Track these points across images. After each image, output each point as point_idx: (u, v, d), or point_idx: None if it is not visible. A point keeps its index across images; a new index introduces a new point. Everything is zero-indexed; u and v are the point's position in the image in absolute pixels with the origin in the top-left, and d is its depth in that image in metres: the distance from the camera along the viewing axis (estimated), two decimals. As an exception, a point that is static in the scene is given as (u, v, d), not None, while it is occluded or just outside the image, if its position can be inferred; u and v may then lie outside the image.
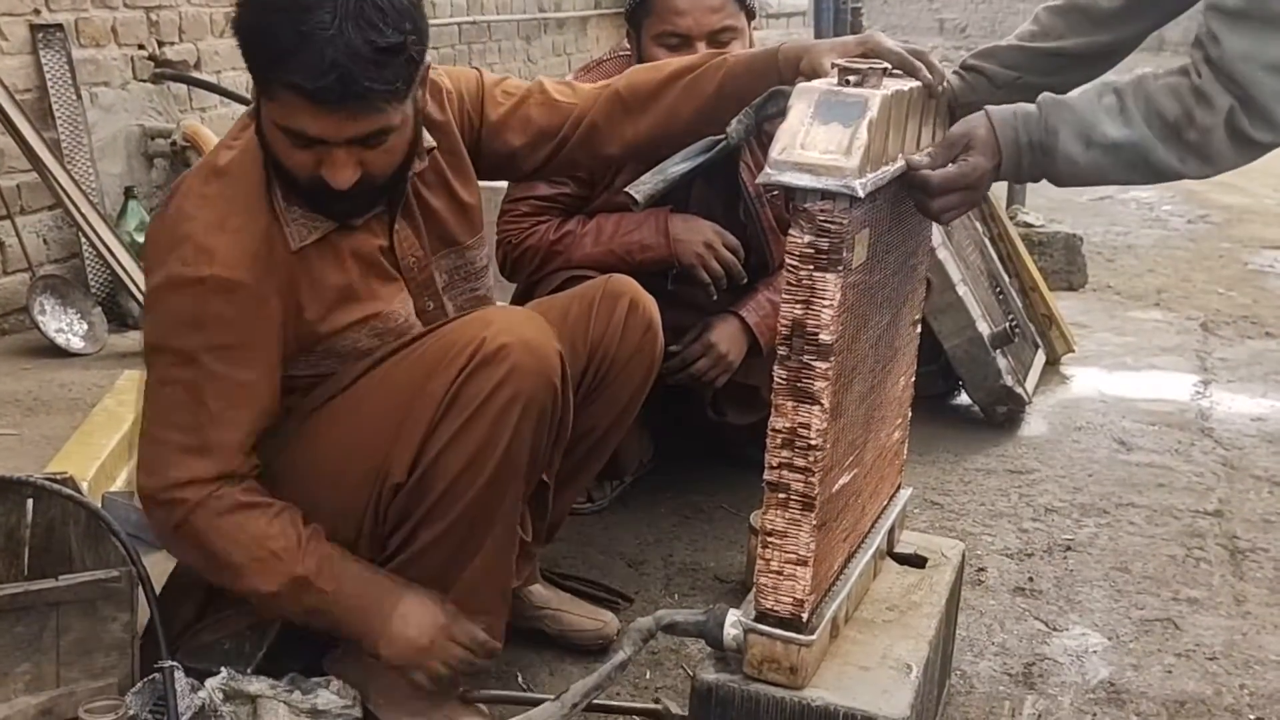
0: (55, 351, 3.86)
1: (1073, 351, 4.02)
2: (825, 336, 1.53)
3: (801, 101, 1.56)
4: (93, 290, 4.17)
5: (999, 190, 4.76)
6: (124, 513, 2.51)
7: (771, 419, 1.58)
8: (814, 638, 1.64)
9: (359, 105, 1.68)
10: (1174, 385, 3.83)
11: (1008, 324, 3.44)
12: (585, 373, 2.15)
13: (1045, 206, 5.70)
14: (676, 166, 1.90)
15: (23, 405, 3.45)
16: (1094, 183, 1.80)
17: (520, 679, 2.10)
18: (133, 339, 4.04)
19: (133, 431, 3.00)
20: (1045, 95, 1.78)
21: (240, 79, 5.10)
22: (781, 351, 1.55)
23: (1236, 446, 3.32)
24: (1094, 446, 3.31)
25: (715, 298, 2.55)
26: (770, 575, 1.64)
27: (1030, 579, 2.56)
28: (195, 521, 1.78)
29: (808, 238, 1.51)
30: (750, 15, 2.57)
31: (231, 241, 1.77)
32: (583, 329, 2.14)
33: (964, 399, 3.52)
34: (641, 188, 1.90)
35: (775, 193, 1.53)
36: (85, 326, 4.01)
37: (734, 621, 1.66)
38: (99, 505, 2.21)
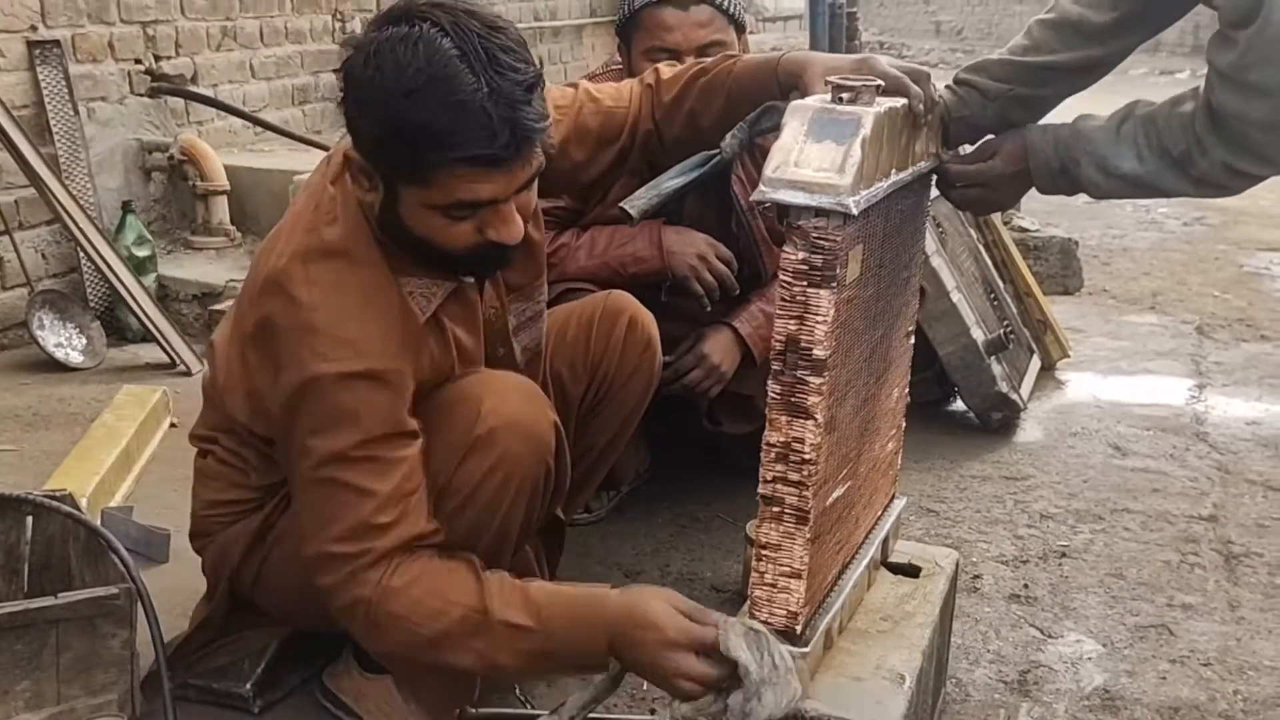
0: (54, 366, 3.87)
1: (1068, 357, 4.03)
2: (819, 352, 1.54)
3: (795, 119, 1.58)
4: (91, 305, 4.18)
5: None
6: (123, 528, 2.53)
7: (766, 433, 1.60)
8: (808, 649, 1.65)
9: (530, 152, 1.63)
10: (1169, 390, 3.84)
11: (1002, 330, 3.45)
12: (586, 391, 2.17)
13: (1041, 210, 5.71)
14: (671, 181, 1.91)
15: (22, 420, 3.46)
16: (1124, 198, 1.99)
17: (518, 692, 2.11)
18: (131, 353, 4.06)
19: (131, 446, 3.03)
20: (1069, 126, 1.92)
21: (236, 92, 5.12)
22: (775, 366, 1.57)
23: (1231, 451, 3.34)
24: (1089, 452, 3.32)
25: (709, 309, 2.56)
26: (765, 588, 1.65)
27: (1025, 586, 2.57)
28: (380, 609, 1.66)
29: (801, 254, 1.52)
30: (740, 29, 2.59)
31: (371, 330, 1.68)
32: (583, 347, 2.15)
33: (959, 405, 3.54)
34: (636, 203, 1.91)
35: (768, 206, 1.53)
36: (84, 341, 4.02)
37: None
38: (98, 522, 2.23)
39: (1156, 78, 11.61)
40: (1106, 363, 4.10)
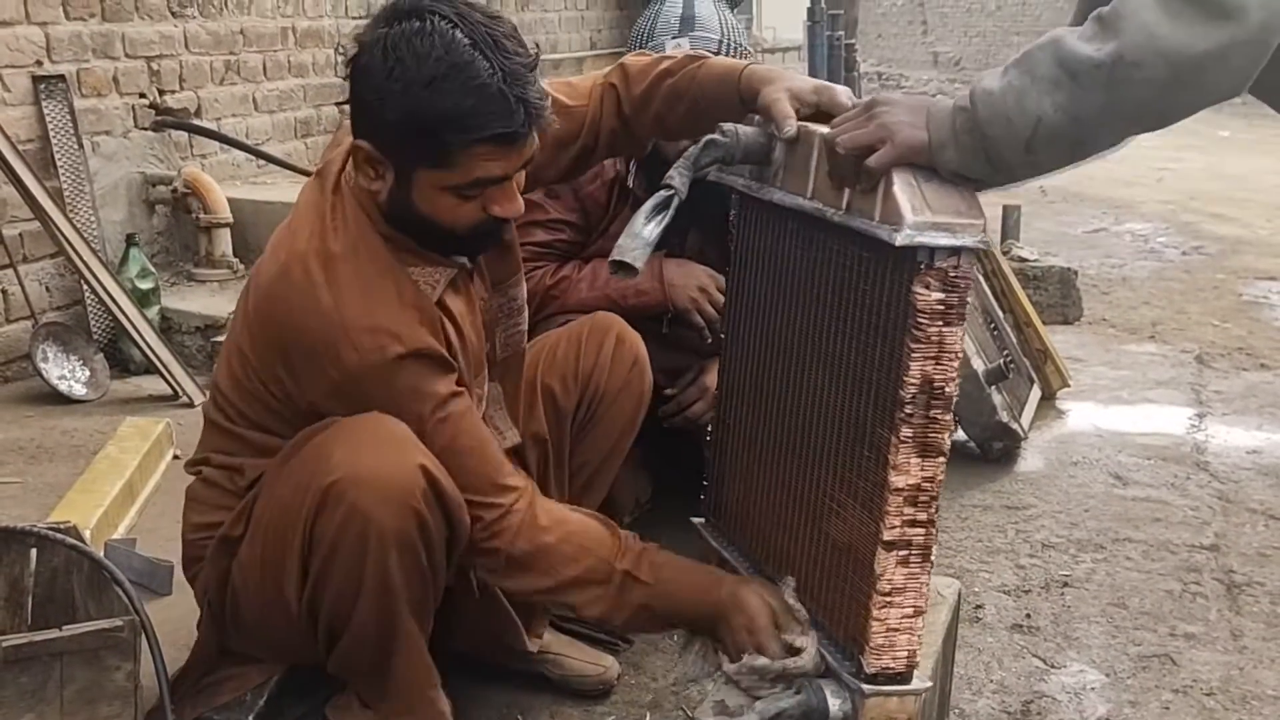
0: (57, 399, 3.89)
1: (1068, 386, 4.04)
2: (950, 389, 1.57)
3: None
4: (95, 337, 4.20)
5: (993, 226, 4.79)
6: (126, 560, 2.54)
7: (892, 479, 1.59)
8: (930, 684, 1.69)
9: (538, 127, 1.74)
10: (1169, 419, 3.85)
11: (1002, 360, 3.46)
12: (578, 407, 2.21)
13: (1040, 240, 5.74)
14: (647, 228, 1.81)
15: (25, 453, 3.47)
16: (1019, 126, 1.49)
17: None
18: (134, 385, 4.07)
19: (135, 478, 3.04)
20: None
21: (239, 125, 5.16)
22: (907, 410, 1.57)
23: (1232, 480, 3.34)
24: (1090, 481, 3.33)
25: (710, 341, 2.57)
26: (887, 634, 1.65)
27: (1028, 615, 2.57)
28: (524, 548, 1.85)
29: (937, 295, 1.53)
30: None
31: (402, 315, 1.78)
32: (572, 365, 2.19)
33: (960, 435, 3.54)
34: (629, 256, 1.81)
35: None
36: (87, 373, 4.04)
37: (835, 691, 1.69)
38: (102, 554, 2.23)
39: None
40: (1107, 392, 4.11)
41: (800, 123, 1.78)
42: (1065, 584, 2.72)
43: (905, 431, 1.57)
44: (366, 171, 1.78)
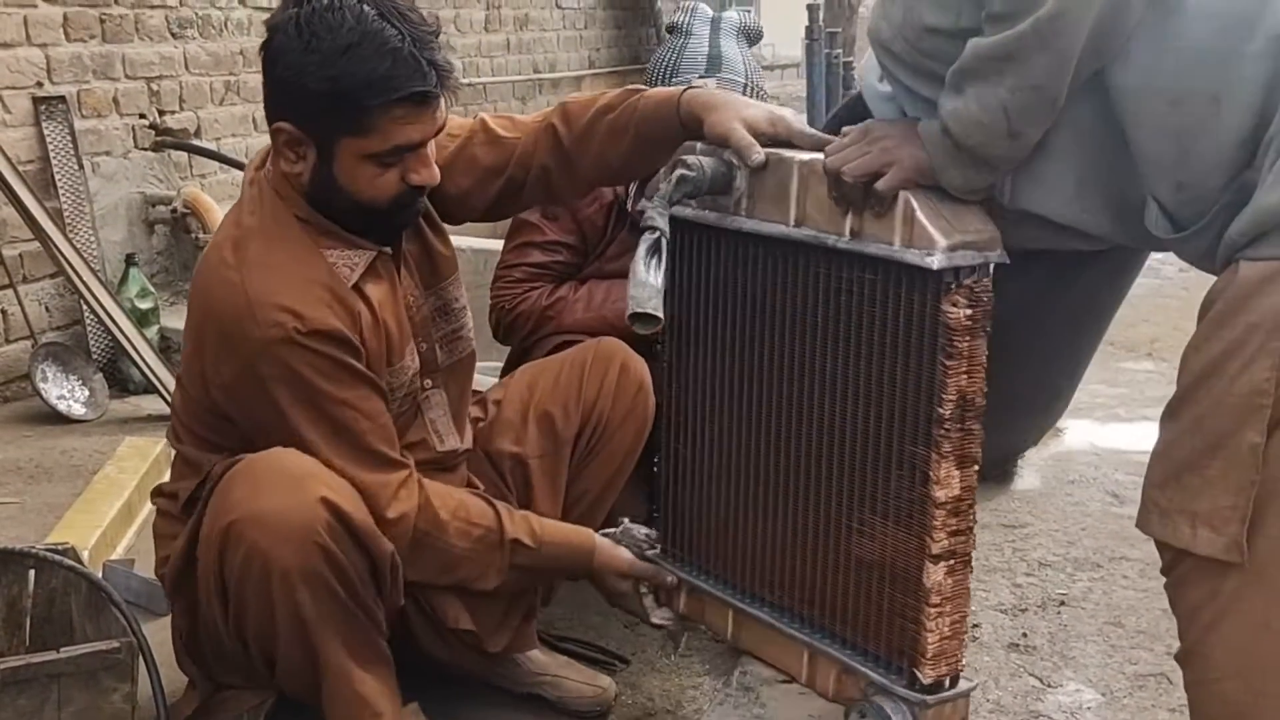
0: (57, 418, 3.89)
1: (1065, 404, 4.04)
2: (980, 400, 1.62)
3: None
4: (94, 356, 4.21)
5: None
6: (124, 581, 2.54)
7: (934, 493, 1.63)
8: (975, 682, 1.78)
9: (447, 90, 1.83)
10: (1167, 436, 3.85)
11: (999, 379, 3.47)
12: (580, 435, 2.21)
13: (1037, 258, 5.74)
14: (652, 275, 1.75)
15: (24, 473, 3.47)
16: (993, 123, 1.53)
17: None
18: (133, 404, 4.08)
19: (133, 498, 3.04)
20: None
21: (239, 145, 5.18)
22: (946, 427, 1.60)
23: (1229, 497, 3.34)
24: (1087, 499, 3.33)
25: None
26: (941, 643, 1.70)
27: (1024, 634, 2.57)
28: (421, 529, 1.93)
29: (965, 311, 1.58)
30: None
31: (306, 294, 1.83)
32: (575, 392, 2.19)
33: (958, 453, 3.55)
34: (651, 305, 1.73)
35: None
36: (86, 393, 4.05)
37: (895, 708, 1.72)
38: (100, 575, 2.24)
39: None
40: (1104, 410, 4.12)
41: (767, 149, 1.79)
42: (1062, 603, 2.72)
43: (945, 447, 1.61)
44: (287, 155, 1.85)
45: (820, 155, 1.72)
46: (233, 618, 1.86)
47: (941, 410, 1.59)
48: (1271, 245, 1.41)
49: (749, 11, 3.05)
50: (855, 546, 1.76)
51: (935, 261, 1.55)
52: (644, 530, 2.16)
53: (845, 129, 1.73)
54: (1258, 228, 1.42)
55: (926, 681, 1.69)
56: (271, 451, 1.83)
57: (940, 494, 1.62)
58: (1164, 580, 1.59)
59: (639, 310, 1.69)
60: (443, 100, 1.84)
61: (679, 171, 1.82)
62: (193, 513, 1.91)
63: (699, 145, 1.90)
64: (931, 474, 1.62)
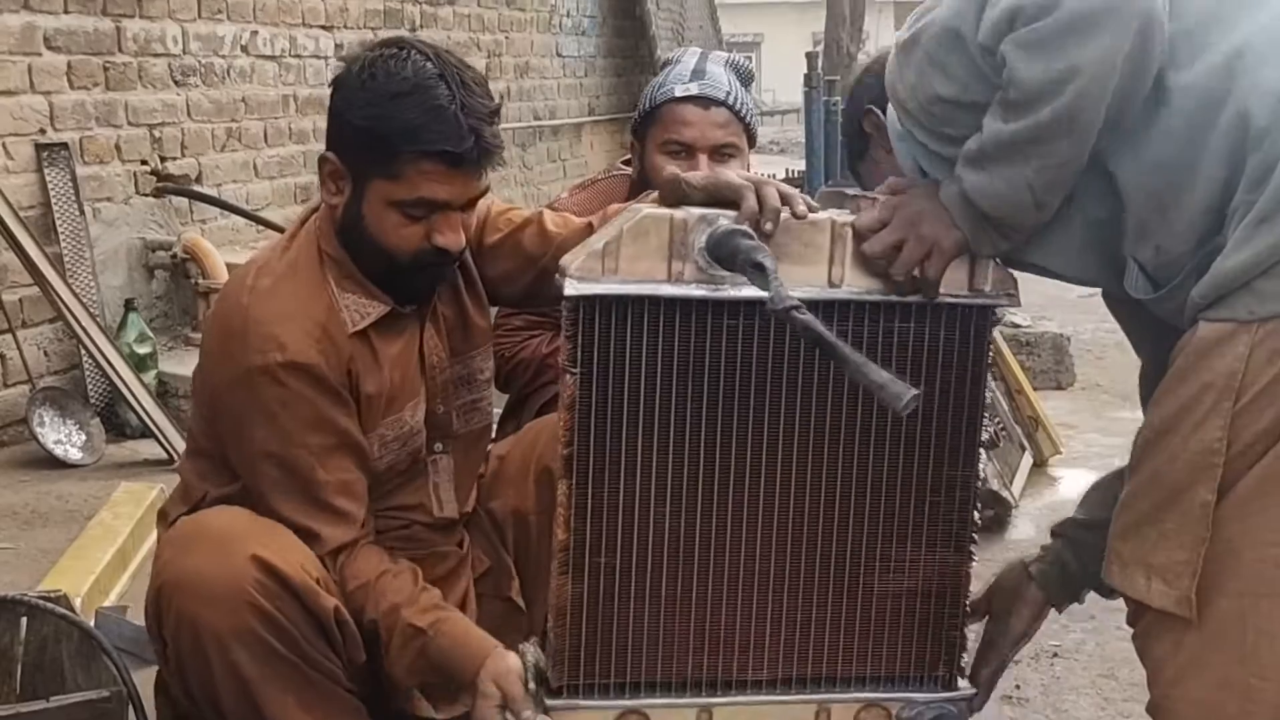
0: (53, 463, 3.90)
1: (1060, 453, 4.06)
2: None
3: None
4: (92, 401, 4.22)
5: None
6: (116, 628, 2.53)
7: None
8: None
9: (487, 163, 1.85)
10: (1161, 486, 3.84)
11: (993, 428, 3.48)
12: None
13: (1035, 304, 5.75)
14: (877, 367, 1.56)
15: (20, 518, 3.48)
16: (1020, 200, 1.59)
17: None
18: (130, 449, 4.09)
19: (127, 544, 3.04)
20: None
21: (240, 191, 5.22)
22: (985, 449, 1.83)
23: (1223, 548, 3.34)
24: (1081, 549, 3.32)
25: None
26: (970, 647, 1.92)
27: (1017, 686, 2.56)
28: (346, 585, 1.87)
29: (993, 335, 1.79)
30: (751, 141, 2.65)
31: (293, 328, 1.85)
32: None
33: (952, 502, 3.55)
34: (911, 391, 1.53)
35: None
36: (83, 437, 4.06)
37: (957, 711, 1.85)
38: (91, 623, 2.24)
39: None
40: (1099, 459, 4.12)
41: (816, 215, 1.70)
42: (1055, 654, 2.71)
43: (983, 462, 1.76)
44: (329, 186, 1.90)
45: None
46: (177, 677, 1.87)
47: (989, 427, 1.72)
48: (1230, 307, 1.47)
49: (749, 59, 3.10)
50: (886, 584, 1.81)
51: (1001, 304, 1.71)
52: (535, 654, 1.80)
53: (874, 194, 1.74)
54: (1217, 290, 1.48)
55: (963, 688, 1.86)
56: (204, 512, 1.86)
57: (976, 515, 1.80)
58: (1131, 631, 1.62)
59: (910, 397, 1.48)
60: (481, 171, 1.86)
61: (766, 260, 1.59)
62: None
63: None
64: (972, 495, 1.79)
